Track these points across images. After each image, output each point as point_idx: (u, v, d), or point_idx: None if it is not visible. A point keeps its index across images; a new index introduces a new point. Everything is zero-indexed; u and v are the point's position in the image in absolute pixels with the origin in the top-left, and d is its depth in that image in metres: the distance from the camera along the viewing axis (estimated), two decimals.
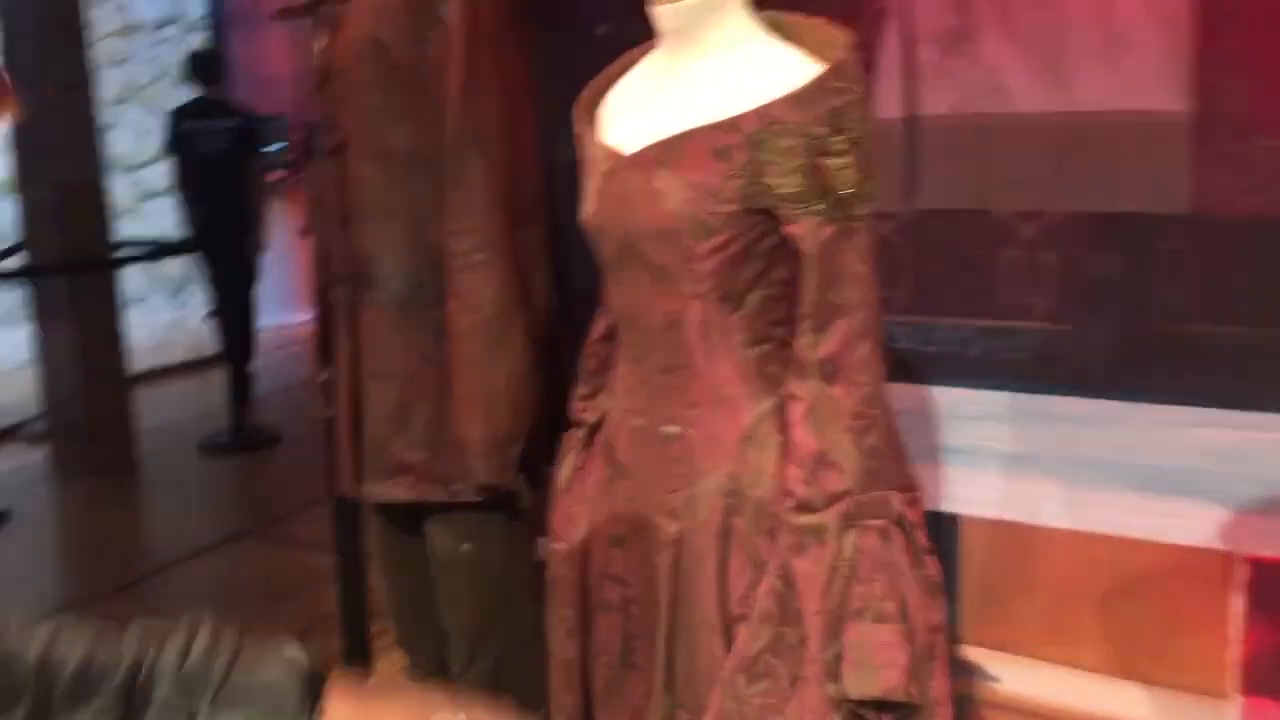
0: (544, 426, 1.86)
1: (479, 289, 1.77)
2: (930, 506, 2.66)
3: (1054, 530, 2.58)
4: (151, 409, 6.11)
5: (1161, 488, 2.38)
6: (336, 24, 1.83)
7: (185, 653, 0.99)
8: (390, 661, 2.22)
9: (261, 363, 6.17)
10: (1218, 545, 2.33)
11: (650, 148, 1.47)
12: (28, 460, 5.72)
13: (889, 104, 2.54)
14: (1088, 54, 2.37)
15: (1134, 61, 2.33)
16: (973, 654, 2.72)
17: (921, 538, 1.49)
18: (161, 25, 9.08)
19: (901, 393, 2.66)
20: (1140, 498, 2.41)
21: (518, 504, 1.89)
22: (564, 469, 1.74)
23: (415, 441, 1.86)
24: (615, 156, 1.52)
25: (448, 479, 1.86)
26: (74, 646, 0.99)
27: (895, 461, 1.49)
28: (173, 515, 5.01)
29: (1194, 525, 2.36)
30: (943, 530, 2.72)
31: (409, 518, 2.02)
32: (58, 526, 5.06)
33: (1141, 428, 2.39)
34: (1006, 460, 2.61)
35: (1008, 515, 2.62)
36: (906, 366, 2.66)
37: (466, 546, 1.94)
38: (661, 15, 1.51)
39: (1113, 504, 2.44)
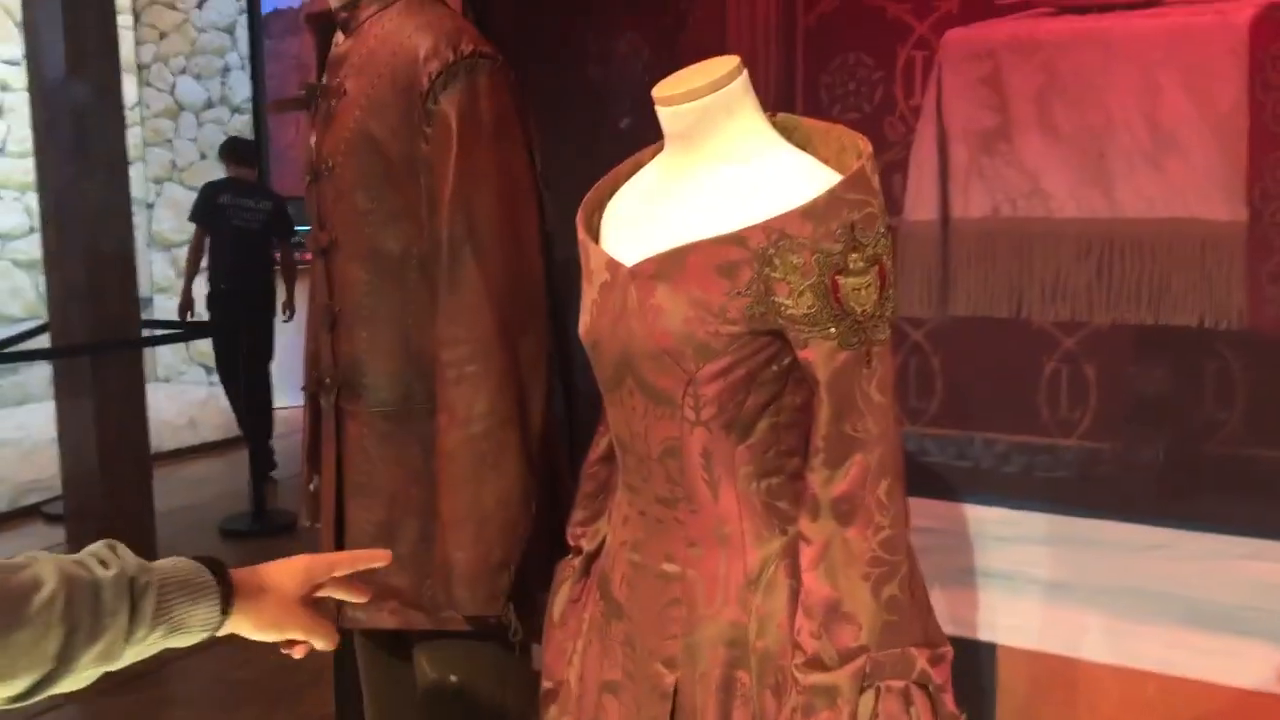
0: (540, 552, 1.72)
1: (470, 402, 1.64)
2: (966, 633, 2.50)
3: (1098, 665, 2.40)
4: (176, 489, 6.04)
5: (1212, 623, 2.20)
6: (330, 117, 1.74)
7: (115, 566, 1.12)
8: None
9: (286, 444, 6.09)
10: (1276, 689, 2.15)
11: (650, 260, 1.35)
12: (49, 539, 5.65)
13: (923, 205, 2.42)
14: (1133, 156, 2.25)
15: (1183, 165, 2.20)
16: None
17: (948, 701, 1.33)
18: (207, 107, 9.19)
19: (933, 510, 2.52)
20: (1189, 633, 2.24)
21: (509, 635, 1.75)
22: (558, 601, 1.60)
23: (401, 564, 1.72)
24: (614, 267, 1.40)
25: (434, 606, 1.72)
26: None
27: (918, 615, 1.34)
28: None
29: (1249, 665, 2.18)
30: (980, 659, 2.55)
31: (397, 643, 1.89)
32: None
33: (1191, 557, 2.22)
34: (1046, 587, 2.44)
35: (1048, 646, 2.45)
36: (938, 482, 2.51)
37: (455, 678, 1.79)
38: (665, 117, 1.40)
39: (1160, 639, 2.27)
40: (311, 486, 1.97)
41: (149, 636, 1.16)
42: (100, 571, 1.11)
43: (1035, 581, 2.44)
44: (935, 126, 2.42)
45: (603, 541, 1.58)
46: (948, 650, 1.36)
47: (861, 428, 1.29)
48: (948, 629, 1.39)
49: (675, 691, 1.39)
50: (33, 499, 5.94)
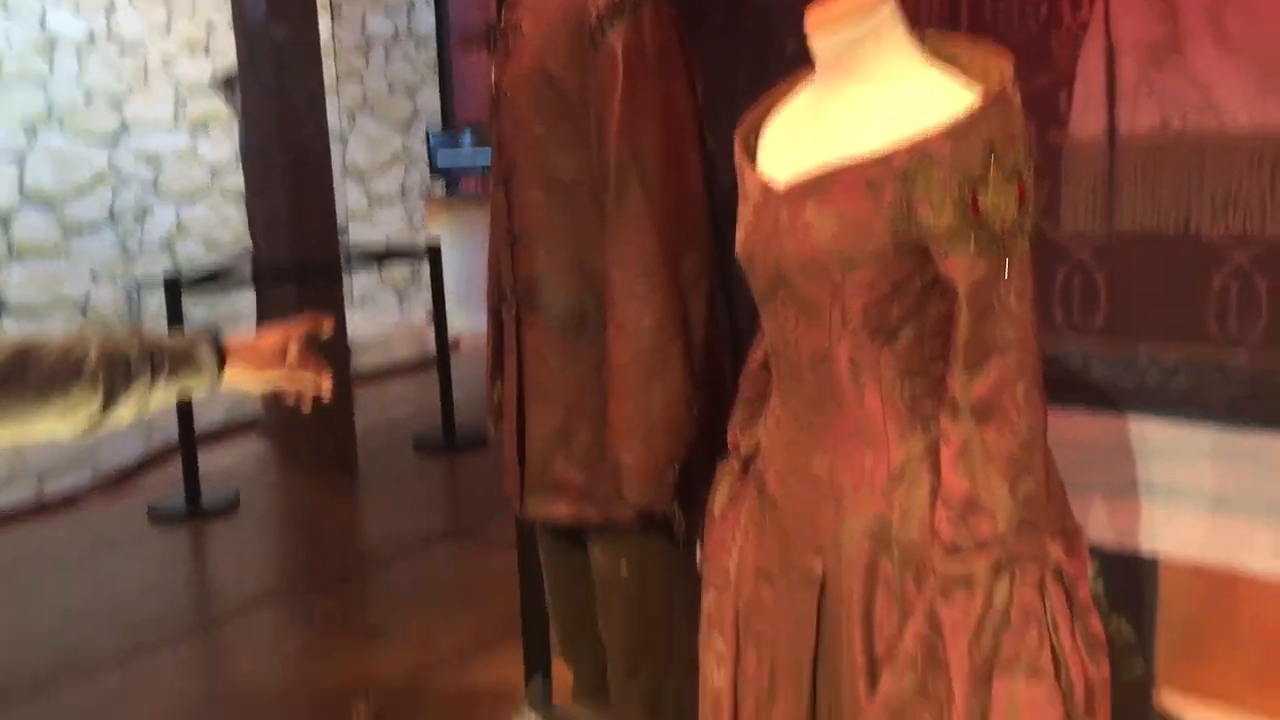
0: (703, 452, 1.86)
1: (638, 319, 1.78)
2: (1129, 544, 2.53)
3: (1263, 580, 2.40)
4: (372, 408, 6.42)
5: None
6: (508, 53, 1.88)
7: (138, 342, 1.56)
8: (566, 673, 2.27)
9: (479, 363, 6.37)
10: None
11: (801, 181, 1.45)
12: (260, 450, 6.12)
13: (1090, 120, 2.42)
14: None
15: None
16: (1172, 701, 2.56)
17: (1083, 591, 1.41)
18: (394, 41, 9.54)
19: (1096, 425, 2.54)
20: None
21: (674, 528, 1.90)
22: (718, 497, 1.73)
23: (575, 461, 1.89)
24: (767, 188, 1.50)
25: (606, 500, 1.88)
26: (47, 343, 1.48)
27: (1053, 509, 1.42)
28: (386, 511, 5.24)
29: None
30: (1142, 572, 2.57)
31: (573, 534, 2.06)
32: (281, 514, 5.38)
33: None
34: (1211, 501, 2.44)
35: (1211, 561, 2.45)
36: (1101, 397, 2.52)
37: (625, 568, 1.95)
38: (815, 43, 1.48)
39: None
40: (495, 395, 2.15)
41: (166, 390, 1.58)
42: (128, 345, 1.54)
43: (1200, 496, 2.45)
44: (1103, 40, 2.41)
45: (759, 445, 1.70)
46: (1083, 542, 1.44)
47: (1000, 334, 1.36)
48: (1108, 540, 1.45)
49: (823, 579, 1.51)
50: (246, 415, 6.41)
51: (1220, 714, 2.52)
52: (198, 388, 1.63)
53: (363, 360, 5.94)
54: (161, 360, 1.56)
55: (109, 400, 1.50)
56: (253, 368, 1.68)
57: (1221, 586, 2.46)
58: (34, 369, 1.44)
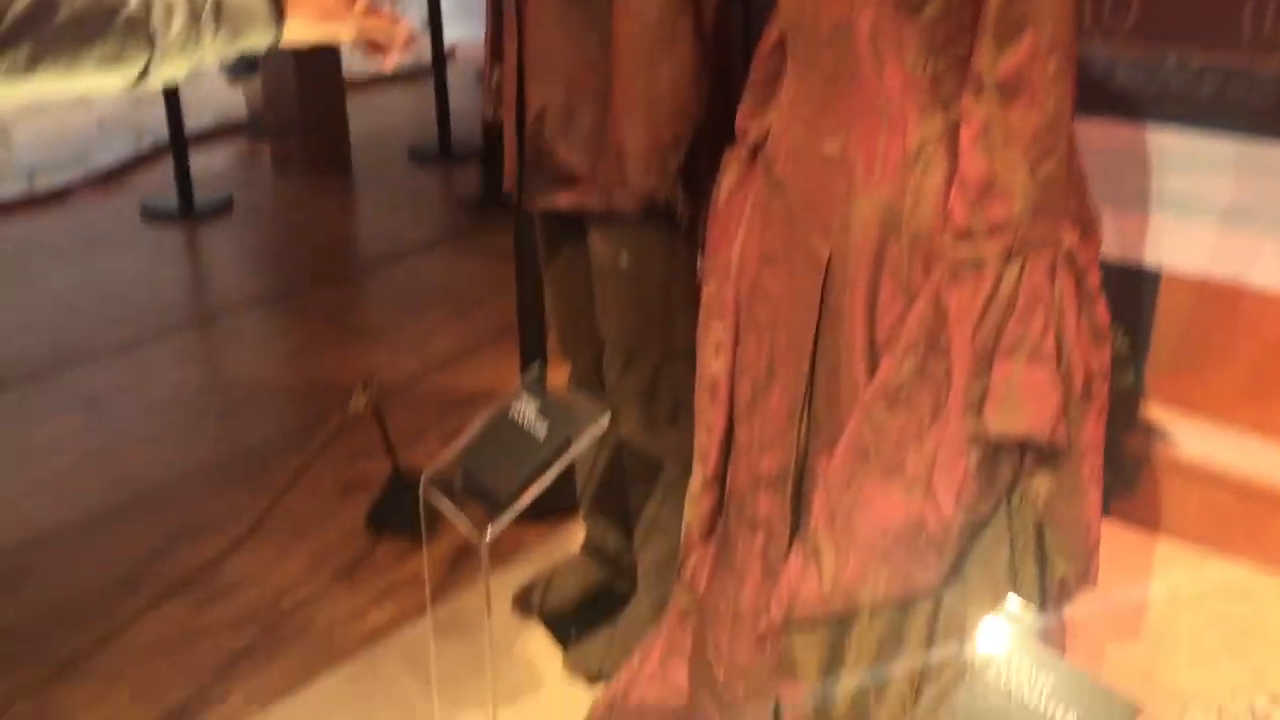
0: (708, 138, 1.79)
1: None
2: (1133, 256, 2.50)
3: (1265, 294, 2.39)
4: (366, 115, 6.26)
5: None
6: None
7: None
8: (564, 371, 2.28)
9: (475, 73, 6.18)
10: None
11: None
12: (251, 152, 6.01)
13: None
14: None
15: None
16: (1160, 413, 2.60)
17: (1093, 279, 1.38)
18: None
19: (1115, 133, 2.46)
20: None
21: (676, 216, 1.85)
22: (724, 184, 1.68)
23: (577, 147, 1.82)
24: None
25: (608, 188, 1.82)
26: None
27: (1073, 194, 1.37)
28: (381, 216, 5.19)
29: None
30: (1143, 284, 2.56)
31: (572, 225, 2.01)
32: (275, 216, 5.33)
33: None
34: (1223, 214, 2.40)
35: (1216, 273, 2.43)
36: (1123, 103, 2.44)
37: (625, 258, 1.92)
38: None
39: None
40: (494, 79, 2.06)
41: (220, 43, 1.45)
42: None
43: (1212, 208, 2.41)
44: None
45: (768, 132, 1.63)
46: (1098, 229, 1.40)
47: (1036, 4, 1.28)
48: (1112, 253, 1.41)
49: (829, 262, 1.47)
50: (237, 117, 6.26)
51: (1207, 426, 2.56)
52: (256, 40, 1.48)
53: (354, 65, 5.73)
54: (215, 9, 1.43)
55: (156, 51, 1.39)
56: (316, 17, 1.53)
57: (1223, 300, 2.45)
58: (64, 7, 1.31)
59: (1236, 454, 2.50)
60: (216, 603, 2.53)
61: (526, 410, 1.80)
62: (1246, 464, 2.49)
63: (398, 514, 2.76)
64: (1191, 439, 2.56)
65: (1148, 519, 2.63)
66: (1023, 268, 1.33)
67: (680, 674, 1.87)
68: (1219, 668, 2.21)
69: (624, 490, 2.21)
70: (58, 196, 5.28)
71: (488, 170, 5.10)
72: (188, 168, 5.02)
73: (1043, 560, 1.51)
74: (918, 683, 1.50)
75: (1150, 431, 2.59)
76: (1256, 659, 2.23)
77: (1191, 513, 2.57)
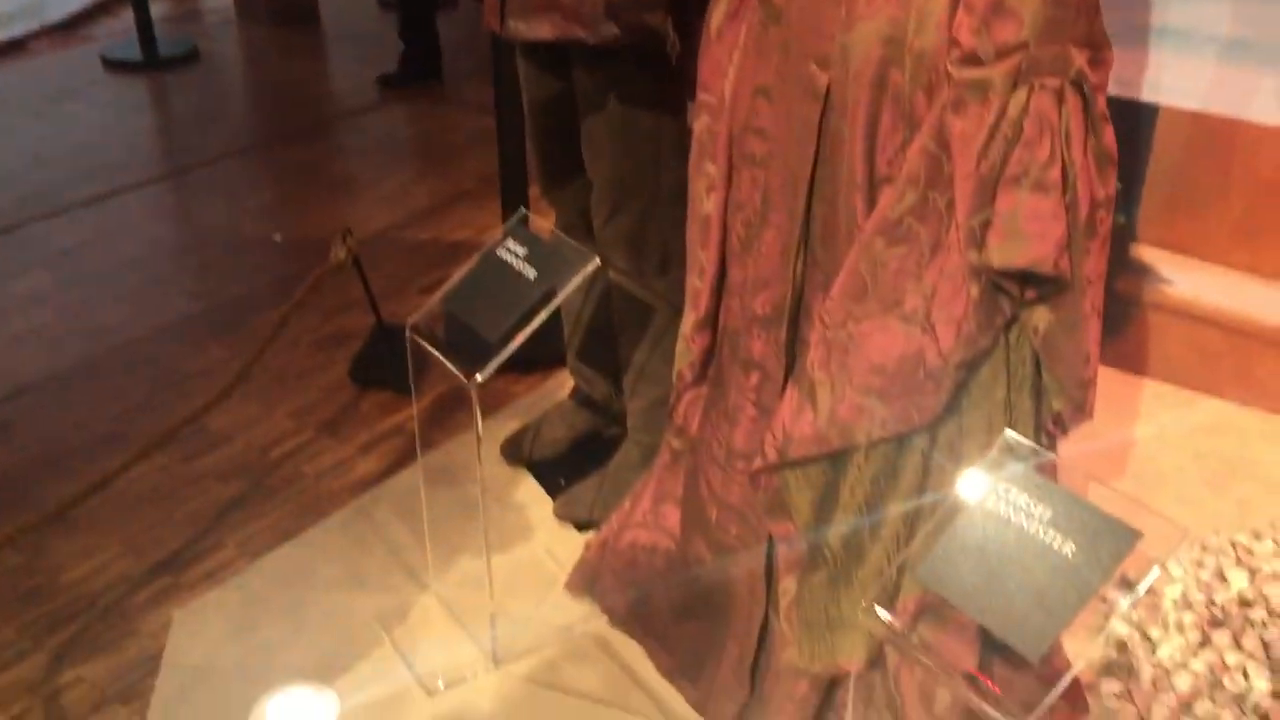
0: None
1: None
2: (1128, 93, 2.44)
3: (1262, 127, 2.34)
4: None
5: None
6: None
7: None
8: (549, 220, 2.22)
9: None
10: None
11: None
12: (215, 5, 5.79)
13: None
14: None
15: None
16: (1148, 254, 2.58)
17: (1101, 103, 1.33)
18: None
19: None
20: None
21: (666, 49, 1.77)
22: (716, 14, 1.61)
23: None
24: None
25: (594, 18, 1.74)
26: None
27: (1084, 14, 1.31)
28: (353, 66, 5.04)
29: None
30: (1140, 120, 2.51)
31: (556, 63, 1.94)
32: (241, 68, 5.17)
33: None
34: (1223, 47, 2.33)
35: (1212, 108, 2.38)
36: None
37: (613, 96, 1.85)
38: None
39: None
40: None
41: None
42: None
43: (1212, 40, 2.34)
44: None
45: None
46: (1109, 54, 1.34)
47: None
48: (1110, 89, 1.36)
49: (827, 91, 1.42)
50: None
51: (1197, 267, 2.54)
52: None
53: None
54: None
55: None
56: None
57: (1220, 136, 2.40)
58: None
59: (1226, 294, 2.49)
60: (204, 456, 2.51)
61: (513, 255, 1.75)
62: (1235, 304, 2.48)
63: (382, 366, 2.74)
64: (1181, 280, 2.54)
65: (1136, 361, 2.63)
66: (1030, 93, 1.28)
67: (672, 517, 1.88)
68: (1203, 504, 2.23)
69: (612, 338, 2.18)
70: (15, 47, 5.10)
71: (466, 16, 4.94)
72: (149, 17, 4.84)
73: (1039, 395, 1.50)
74: (913, 520, 1.50)
75: (1141, 273, 2.57)
76: (1240, 494, 2.26)
77: (1179, 353, 2.57)
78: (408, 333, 1.83)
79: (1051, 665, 1.66)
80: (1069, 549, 1.17)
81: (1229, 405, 2.52)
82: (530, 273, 1.71)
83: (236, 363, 2.68)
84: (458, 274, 1.80)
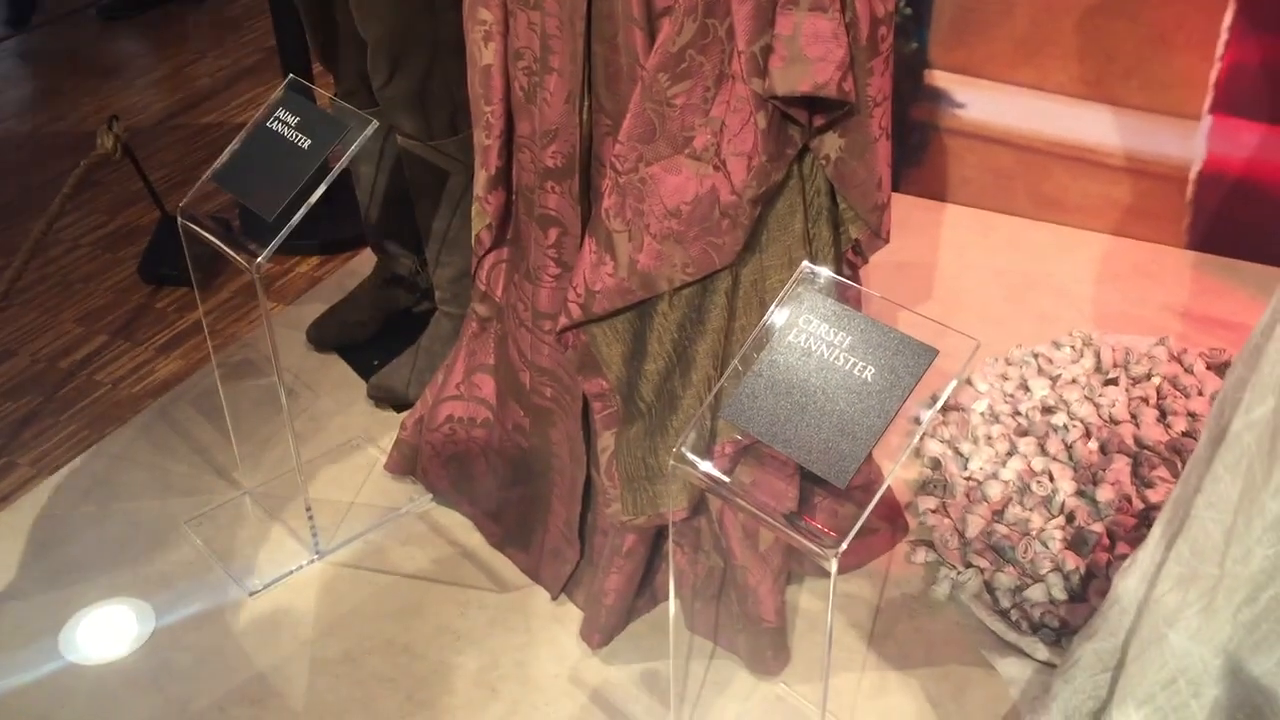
0: None
1: None
2: None
3: None
4: None
5: None
6: None
7: None
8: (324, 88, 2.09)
9: None
10: None
11: None
12: None
13: None
14: None
15: None
16: (940, 79, 2.60)
17: None
18: None
19: None
20: None
21: None
22: None
23: None
24: None
25: None
26: None
27: None
28: None
29: None
30: None
31: None
32: None
33: None
34: None
35: None
36: None
37: None
38: None
39: None
40: None
41: None
42: None
43: None
44: None
45: None
46: None
47: None
48: None
49: None
50: None
51: (986, 89, 2.57)
52: None
53: None
54: None
55: None
56: None
57: None
58: None
59: (1015, 114, 2.54)
60: None
61: (285, 125, 1.64)
62: (1024, 123, 2.53)
63: (173, 262, 2.58)
64: (973, 102, 2.57)
65: (935, 187, 2.67)
66: None
67: (486, 386, 1.83)
68: (1005, 320, 2.30)
69: (409, 208, 2.09)
70: None
71: None
72: None
73: (836, 225, 1.50)
74: (722, 363, 1.49)
75: (934, 99, 2.59)
76: (1040, 308, 2.34)
77: (975, 176, 2.62)
78: (179, 220, 1.71)
79: (871, 491, 1.70)
80: (869, 373, 1.17)
81: (1024, 221, 2.59)
82: (305, 142, 1.60)
83: (8, 270, 2.49)
84: (227, 150, 1.67)
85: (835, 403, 1.17)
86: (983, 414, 2.02)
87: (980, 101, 2.57)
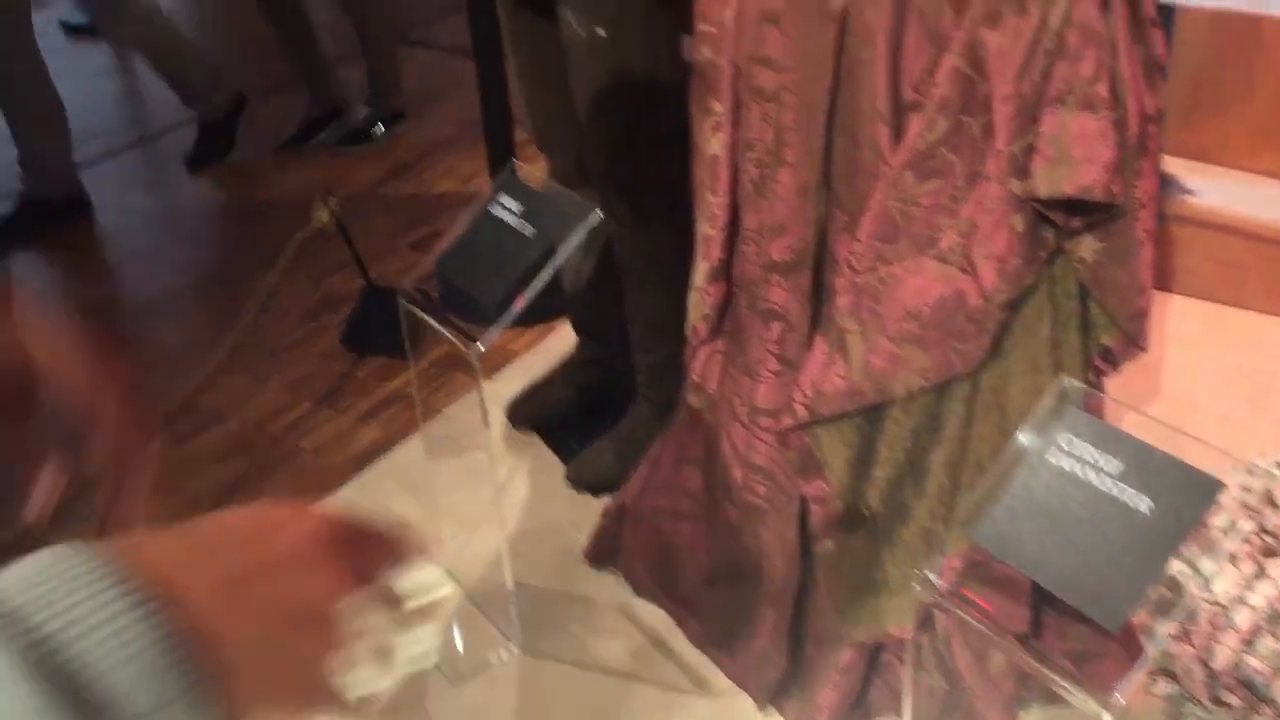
0: None
1: None
2: None
3: None
4: None
5: None
6: None
7: None
8: (537, 168, 2.09)
9: None
10: None
11: None
12: None
13: None
14: None
15: None
16: (1170, 164, 2.46)
17: (1149, 6, 1.21)
18: None
19: None
20: None
21: None
22: None
23: None
24: None
25: None
26: None
27: None
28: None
29: None
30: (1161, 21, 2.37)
31: (539, 4, 1.80)
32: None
33: None
34: None
35: (1234, 5, 2.25)
36: None
37: (601, 30, 1.72)
38: None
39: None
40: None
41: None
42: None
43: None
44: None
45: None
46: None
47: None
48: None
49: (844, 12, 1.29)
50: None
51: (1218, 175, 2.42)
52: None
53: None
54: None
55: None
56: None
57: (1243, 34, 2.27)
58: None
59: (1250, 202, 2.38)
60: (199, 436, 2.41)
61: (508, 212, 1.63)
62: (1260, 211, 2.37)
63: (375, 332, 2.62)
64: (1203, 189, 2.42)
65: (1159, 276, 2.52)
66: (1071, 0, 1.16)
67: (694, 480, 1.78)
68: (1245, 424, 2.14)
69: (616, 291, 2.07)
70: None
71: None
72: None
73: (1086, 330, 1.40)
74: (957, 472, 1.40)
75: (1167, 184, 2.45)
76: None
77: (1203, 266, 2.46)
78: (399, 300, 1.71)
79: (1130, 630, 1.58)
80: (1144, 504, 1.07)
81: (1259, 317, 2.42)
82: (528, 230, 1.59)
83: (227, 337, 2.57)
84: (450, 235, 1.68)
85: (1106, 536, 1.07)
86: (1223, 529, 1.87)
87: (1211, 187, 2.42)
